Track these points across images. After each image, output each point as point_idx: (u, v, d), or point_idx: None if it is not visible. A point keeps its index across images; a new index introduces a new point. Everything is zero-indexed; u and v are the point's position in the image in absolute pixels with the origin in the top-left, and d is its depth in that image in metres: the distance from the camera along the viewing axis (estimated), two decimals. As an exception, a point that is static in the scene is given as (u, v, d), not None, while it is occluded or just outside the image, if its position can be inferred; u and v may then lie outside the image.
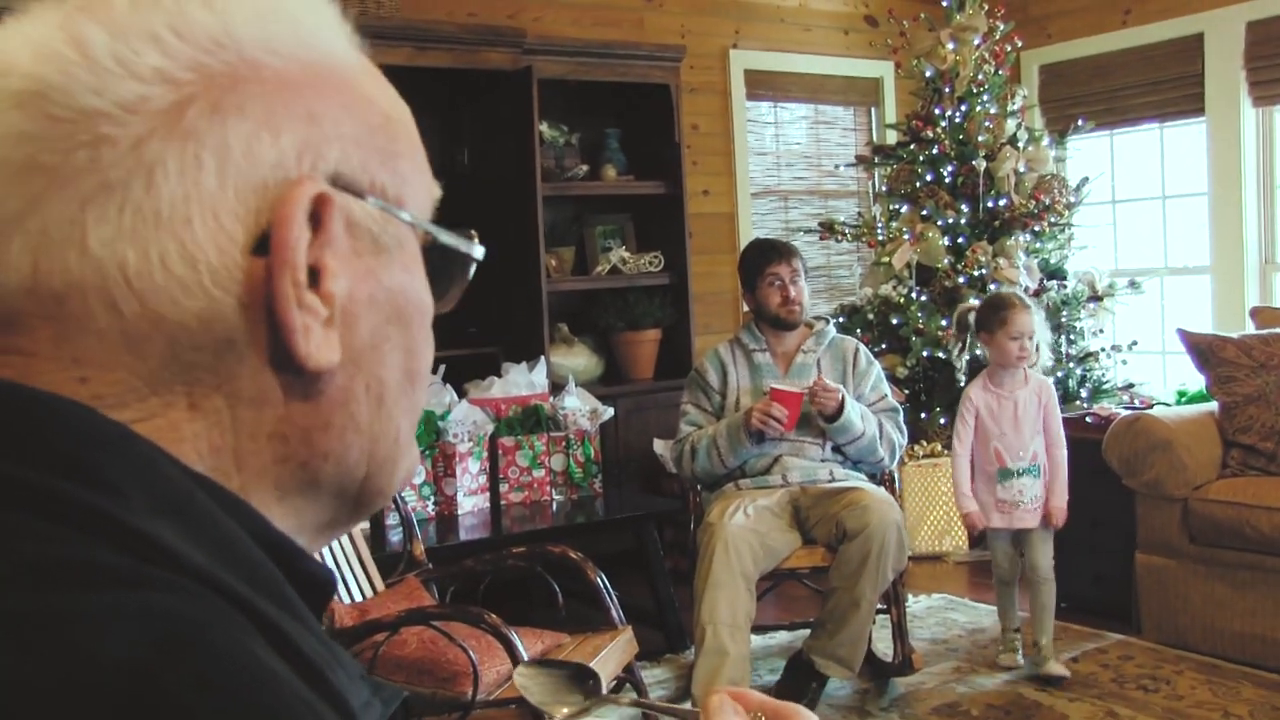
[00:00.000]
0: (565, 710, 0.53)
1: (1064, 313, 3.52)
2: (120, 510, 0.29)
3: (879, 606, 2.29)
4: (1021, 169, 3.60)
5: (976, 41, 3.62)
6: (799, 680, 2.28)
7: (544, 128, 3.28)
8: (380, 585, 2.09)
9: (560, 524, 2.71)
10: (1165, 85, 3.86)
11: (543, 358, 3.08)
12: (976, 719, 2.26)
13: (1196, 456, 2.57)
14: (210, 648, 0.27)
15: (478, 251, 0.40)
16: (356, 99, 0.36)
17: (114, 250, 0.31)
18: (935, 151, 3.59)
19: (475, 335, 3.15)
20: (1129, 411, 2.84)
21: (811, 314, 2.60)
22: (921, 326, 3.46)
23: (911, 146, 3.68)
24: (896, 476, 2.62)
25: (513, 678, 0.54)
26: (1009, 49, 3.73)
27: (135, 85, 0.32)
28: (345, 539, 2.04)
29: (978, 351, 2.57)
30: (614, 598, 1.96)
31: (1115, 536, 2.72)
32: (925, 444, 3.46)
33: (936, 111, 3.62)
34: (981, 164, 3.55)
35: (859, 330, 3.49)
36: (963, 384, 3.33)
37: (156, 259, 0.32)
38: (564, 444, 2.89)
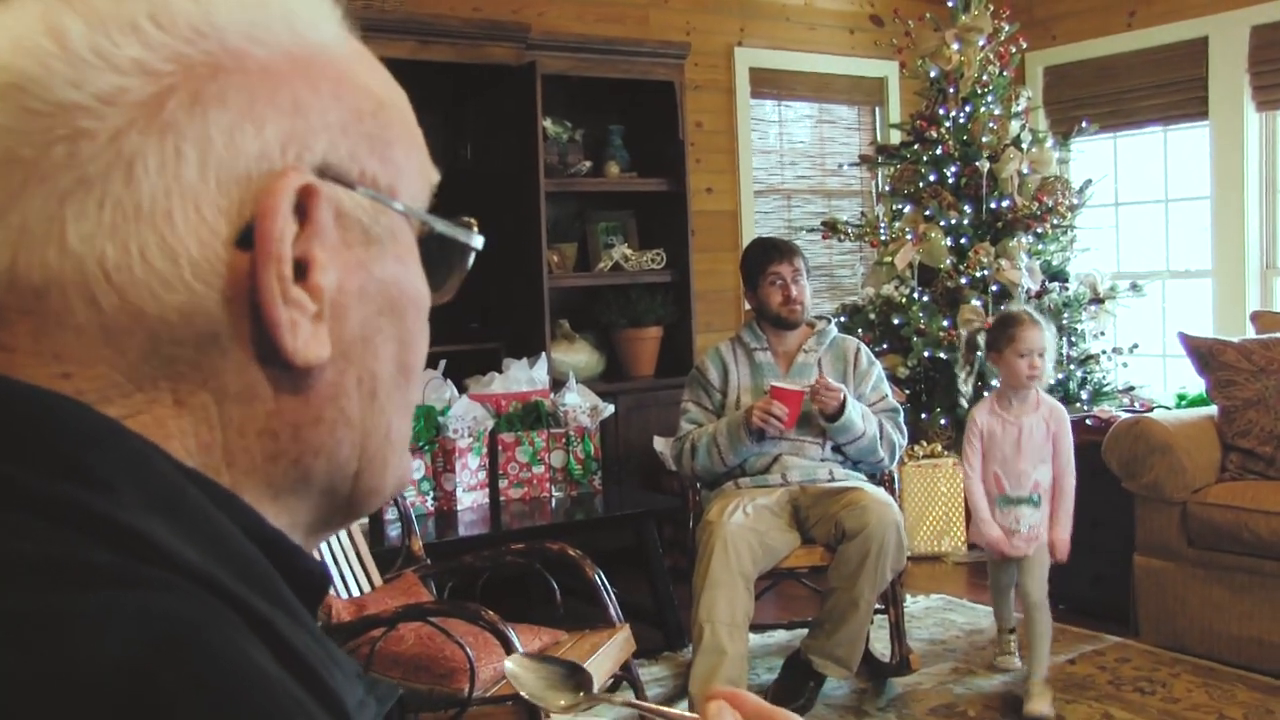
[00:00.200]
0: (562, 702, 0.53)
1: (1065, 315, 3.52)
2: (113, 508, 0.29)
3: (877, 606, 2.29)
4: (1025, 170, 3.59)
5: (981, 42, 3.61)
6: (796, 679, 2.28)
7: (547, 123, 3.27)
8: (378, 580, 2.09)
9: (559, 521, 2.71)
10: (1169, 88, 3.86)
11: (544, 354, 3.08)
12: (974, 719, 2.26)
13: (1196, 460, 2.57)
14: (205, 648, 0.27)
15: (476, 241, 0.39)
16: (346, 86, 0.35)
17: (93, 245, 0.31)
18: (939, 152, 3.59)
19: (476, 330, 3.15)
20: (1129, 414, 2.84)
21: (813, 313, 2.60)
22: (923, 327, 3.45)
23: (915, 146, 3.67)
24: (896, 477, 2.61)
25: (505, 665, 0.54)
26: (1014, 50, 3.72)
27: (113, 77, 0.31)
28: (343, 534, 2.04)
29: (993, 381, 2.44)
30: (612, 595, 1.96)
31: (1114, 538, 2.72)
32: (925, 444, 3.46)
33: (940, 112, 3.62)
34: (985, 165, 3.55)
35: (860, 330, 3.49)
36: (963, 400, 3.34)
37: (136, 253, 0.31)
38: (564, 440, 2.89)
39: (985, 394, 2.42)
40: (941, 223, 3.53)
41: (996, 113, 3.60)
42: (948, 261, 3.50)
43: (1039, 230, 3.54)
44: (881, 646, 2.45)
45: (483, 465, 2.82)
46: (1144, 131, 4.00)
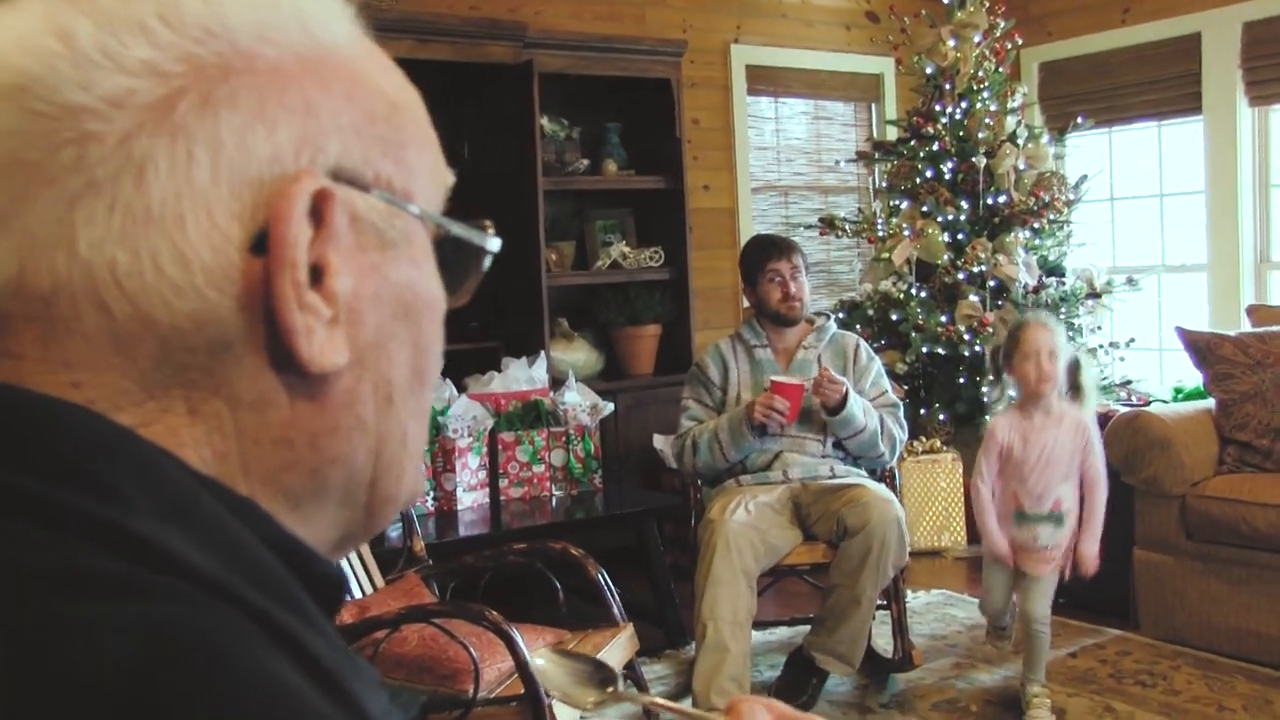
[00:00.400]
0: (591, 699, 0.53)
1: (1062, 310, 3.53)
2: (122, 516, 0.29)
3: (879, 602, 2.30)
4: (1021, 166, 3.60)
5: (977, 38, 3.62)
6: (799, 676, 2.28)
7: (545, 122, 3.27)
8: (380, 582, 2.09)
9: (560, 519, 2.71)
10: (1163, 84, 3.87)
11: (543, 353, 3.07)
12: (975, 714, 2.27)
13: (1194, 453, 2.58)
14: (211, 654, 0.27)
15: (492, 244, 0.38)
16: (360, 88, 0.34)
17: (103, 251, 0.30)
18: (935, 148, 3.59)
19: (475, 330, 3.14)
20: (1127, 408, 2.85)
21: (812, 310, 2.60)
22: (921, 322, 3.46)
23: (912, 143, 3.68)
24: (896, 473, 2.62)
25: (532, 661, 0.54)
26: (1009, 46, 3.73)
27: (122, 79, 0.31)
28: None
29: (1010, 393, 2.23)
30: (615, 594, 1.96)
31: (1114, 532, 2.72)
32: (924, 440, 3.47)
33: (937, 108, 3.62)
34: (981, 161, 3.55)
35: (858, 326, 3.49)
36: (963, 381, 3.34)
37: (148, 259, 0.31)
38: (564, 439, 2.89)
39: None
40: (939, 218, 3.53)
41: (992, 108, 3.60)
42: (945, 257, 3.51)
43: (1036, 225, 3.54)
44: (883, 642, 2.46)
45: (483, 465, 2.81)
46: (1138, 127, 4.01)
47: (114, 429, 0.31)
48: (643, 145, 3.46)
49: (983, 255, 3.46)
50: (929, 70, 3.67)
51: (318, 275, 0.32)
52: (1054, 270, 3.64)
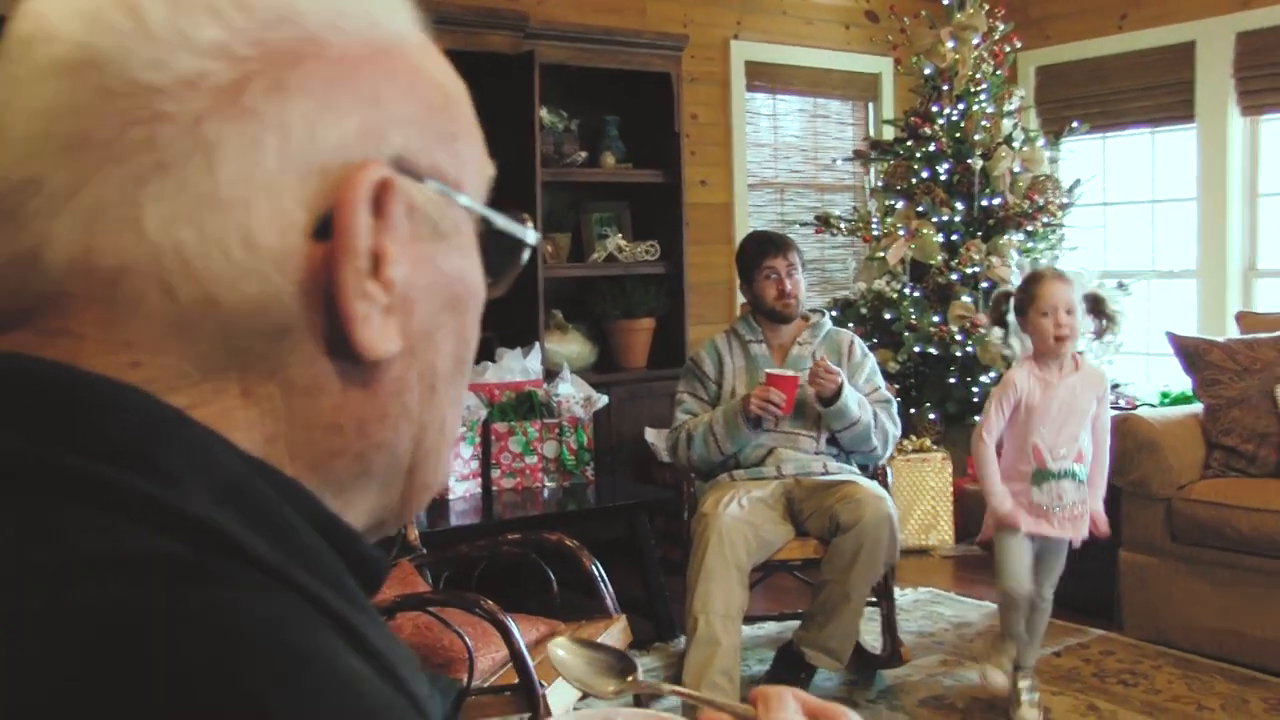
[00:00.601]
0: (610, 688, 0.54)
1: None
2: (178, 499, 0.29)
3: (869, 599, 2.31)
4: (1016, 169, 3.62)
5: (976, 41, 3.63)
6: (788, 671, 2.30)
7: (544, 113, 3.26)
8: (374, 568, 2.08)
9: (552, 511, 2.72)
10: (1157, 91, 3.90)
11: (537, 344, 3.07)
12: (962, 711, 2.29)
13: (1181, 457, 2.62)
14: (288, 649, 0.27)
15: (531, 237, 0.39)
16: (419, 79, 0.35)
17: (171, 233, 0.30)
18: (932, 149, 3.61)
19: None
20: (1115, 411, 2.88)
21: (807, 307, 2.61)
22: (914, 322, 3.48)
23: (908, 143, 3.69)
24: (889, 471, 2.64)
25: (550, 649, 0.54)
26: (1008, 49, 3.75)
27: (194, 60, 0.31)
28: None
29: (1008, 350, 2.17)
30: (609, 586, 1.97)
31: (1099, 535, 2.76)
32: (914, 439, 3.50)
33: (934, 109, 3.64)
34: (977, 162, 3.57)
35: (852, 324, 3.51)
36: (954, 381, 3.37)
37: (215, 242, 0.30)
38: (557, 431, 2.89)
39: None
40: (934, 219, 3.55)
41: (989, 111, 3.62)
42: (939, 258, 3.53)
43: (1030, 228, 3.57)
44: (872, 639, 2.48)
45: (475, 455, 2.81)
46: (1132, 133, 4.05)
47: (168, 411, 0.31)
48: (641, 139, 3.46)
49: (976, 257, 3.49)
50: (927, 71, 3.68)
51: (375, 264, 0.33)
52: (1046, 273, 3.66)
